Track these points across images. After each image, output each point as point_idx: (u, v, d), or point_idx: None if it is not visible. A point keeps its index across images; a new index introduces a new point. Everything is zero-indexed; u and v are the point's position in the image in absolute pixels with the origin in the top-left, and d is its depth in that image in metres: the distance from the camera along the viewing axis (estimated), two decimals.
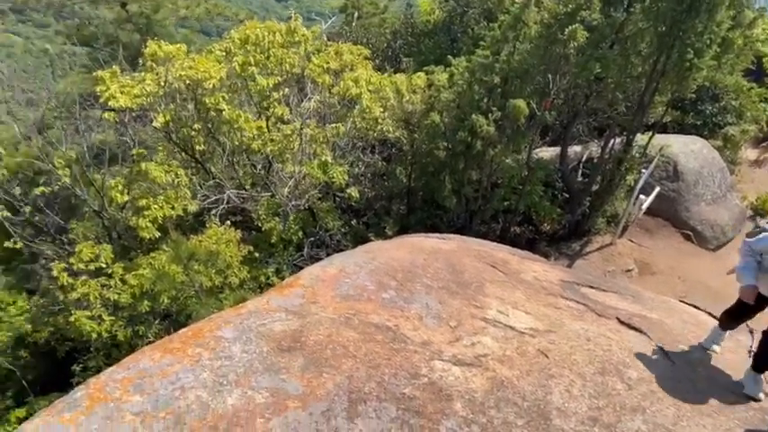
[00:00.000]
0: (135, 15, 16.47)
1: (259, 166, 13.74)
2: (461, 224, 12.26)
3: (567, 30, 10.70)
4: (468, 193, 11.71)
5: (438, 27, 17.06)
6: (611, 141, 13.74)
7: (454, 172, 11.25)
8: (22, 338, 15.02)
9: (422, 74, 12.82)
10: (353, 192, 11.56)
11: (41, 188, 12.69)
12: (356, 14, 19.51)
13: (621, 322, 6.71)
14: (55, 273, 11.00)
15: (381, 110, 11.92)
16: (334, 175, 11.35)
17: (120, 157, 14.88)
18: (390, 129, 12.19)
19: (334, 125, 12.17)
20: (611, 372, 5.49)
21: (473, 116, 10.56)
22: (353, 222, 12.89)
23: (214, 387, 4.38)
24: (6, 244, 13.20)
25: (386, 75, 12.72)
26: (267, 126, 12.31)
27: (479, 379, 5.13)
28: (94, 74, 11.73)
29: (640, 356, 5.82)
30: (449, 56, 12.85)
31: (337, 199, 13.49)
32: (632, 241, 14.83)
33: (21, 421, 12.90)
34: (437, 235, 9.58)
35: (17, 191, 13.03)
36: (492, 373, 5.23)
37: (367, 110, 11.60)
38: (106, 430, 3.85)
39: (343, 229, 12.52)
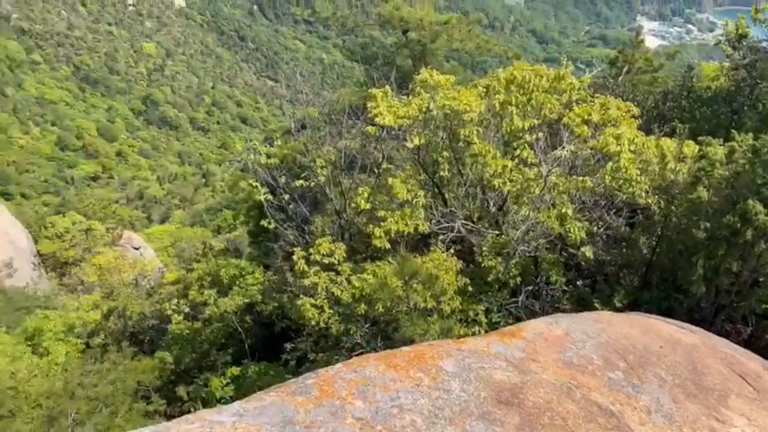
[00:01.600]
0: (412, 42, 17.79)
1: (492, 202, 13.77)
2: (702, 316, 10.82)
3: None
4: (721, 285, 10.30)
5: (720, 95, 15.41)
6: None
7: (710, 257, 9.97)
8: (251, 306, 17.06)
9: (692, 143, 11.68)
10: (588, 251, 10.93)
11: (301, 182, 14.29)
12: (626, 68, 18.63)
13: None
14: (295, 258, 12.22)
15: (638, 172, 11.11)
16: (571, 229, 10.85)
17: (368, 167, 16.11)
18: (643, 194, 11.29)
19: (581, 178, 11.66)
20: None
21: (749, 201, 9.25)
22: (578, 282, 12.20)
23: (429, 417, 4.38)
24: (262, 222, 15.15)
25: (651, 137, 11.85)
26: (511, 166, 12.27)
27: None
28: (369, 91, 12.85)
29: None
30: (732, 129, 11.51)
31: (564, 253, 12.91)
32: None
33: (234, 378, 14.60)
34: (676, 322, 8.59)
35: (282, 179, 14.81)
36: None
37: (623, 170, 10.89)
38: (329, 425, 4.06)
39: (565, 287, 11.92)
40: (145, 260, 35.98)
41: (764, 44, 16.27)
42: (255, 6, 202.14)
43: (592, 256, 10.96)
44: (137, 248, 41.03)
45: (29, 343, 19.27)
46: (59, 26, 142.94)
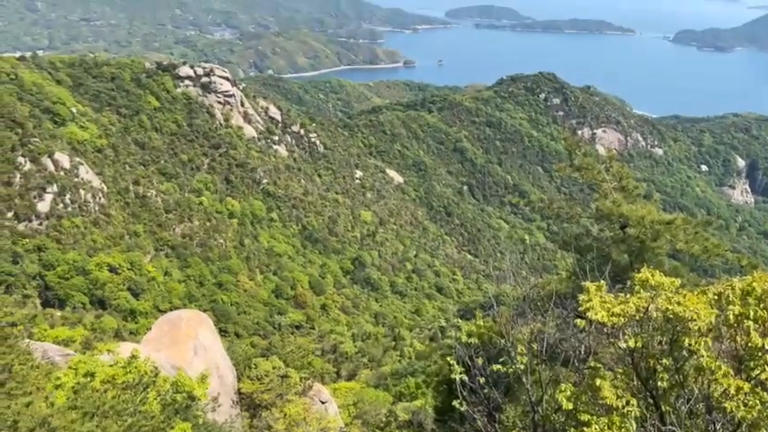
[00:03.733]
0: (631, 238, 17.24)
1: (719, 426, 11.89)
2: None
3: None
4: None
5: None
6: None
7: None
8: None
9: None
10: None
11: (499, 366, 13.87)
12: None
13: None
14: None
15: None
16: None
17: (570, 361, 15.19)
18: None
19: None
20: None
21: None
22: None
23: None
24: (453, 403, 14.75)
25: None
26: (747, 388, 10.67)
27: None
28: (582, 283, 12.52)
29: None
30: None
31: None
32: None
33: None
34: None
35: (479, 361, 14.53)
36: None
37: None
38: None
39: None
40: (329, 416, 36.61)
41: None
42: (465, 187, 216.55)
43: None
44: (323, 402, 42.12)
45: None
46: (297, 191, 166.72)
